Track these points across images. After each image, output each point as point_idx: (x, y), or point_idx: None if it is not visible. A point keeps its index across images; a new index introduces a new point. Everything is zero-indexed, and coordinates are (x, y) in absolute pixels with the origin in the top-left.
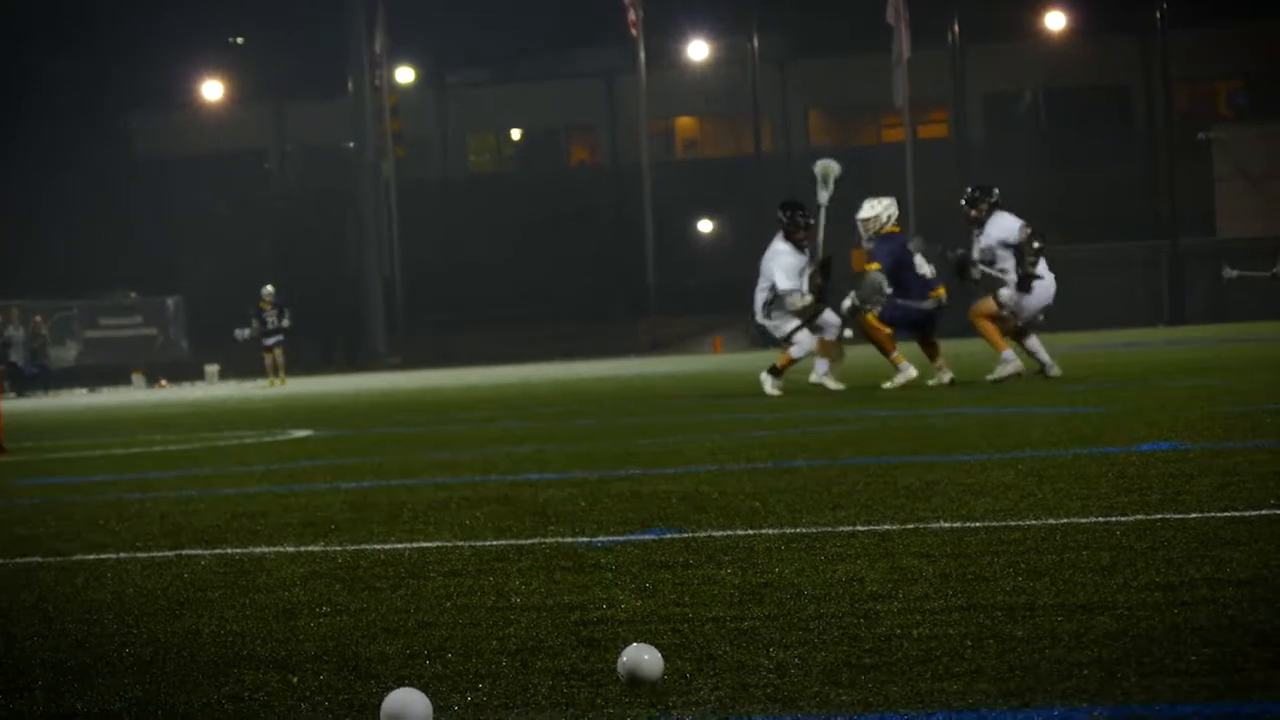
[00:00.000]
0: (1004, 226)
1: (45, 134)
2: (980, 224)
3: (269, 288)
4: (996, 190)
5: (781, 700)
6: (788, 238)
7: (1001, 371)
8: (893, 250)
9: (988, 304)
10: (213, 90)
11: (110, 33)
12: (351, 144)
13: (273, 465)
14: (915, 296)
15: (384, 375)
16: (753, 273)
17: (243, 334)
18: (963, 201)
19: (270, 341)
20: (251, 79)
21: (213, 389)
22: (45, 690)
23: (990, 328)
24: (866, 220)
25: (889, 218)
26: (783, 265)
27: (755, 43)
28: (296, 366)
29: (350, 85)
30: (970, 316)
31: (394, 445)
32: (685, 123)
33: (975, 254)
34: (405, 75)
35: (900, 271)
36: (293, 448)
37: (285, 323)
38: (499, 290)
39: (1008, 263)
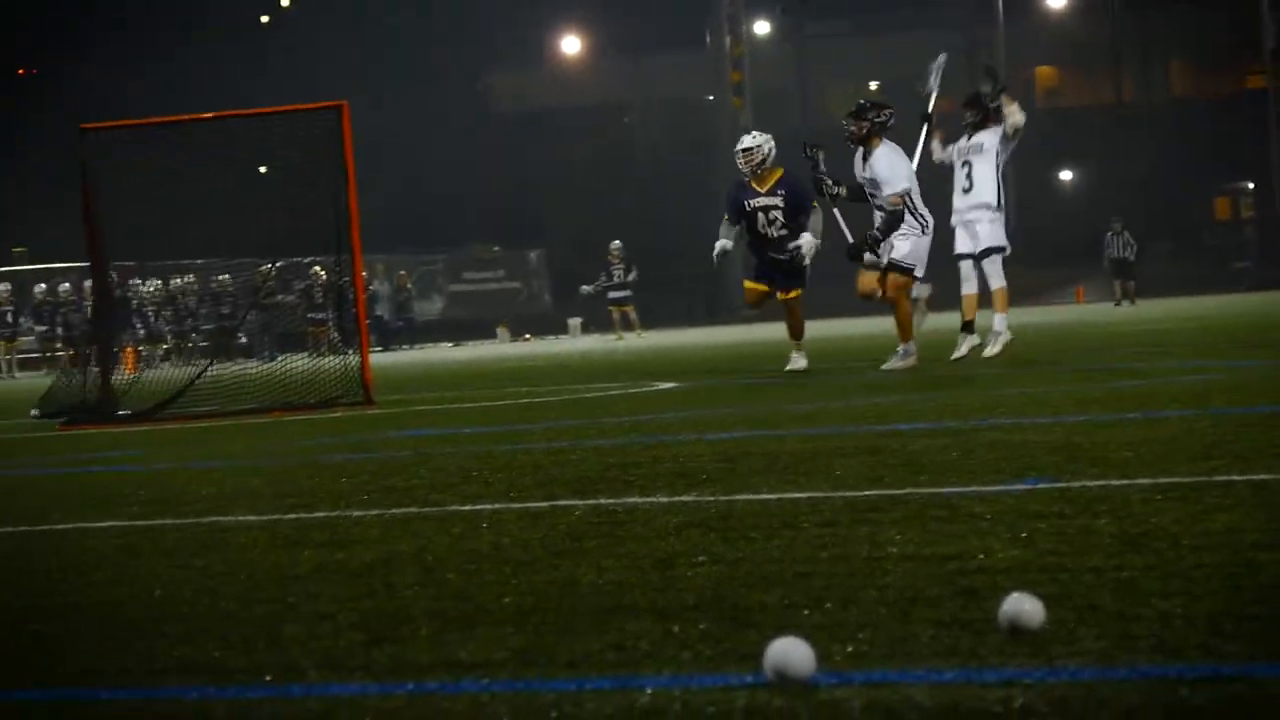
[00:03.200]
0: (892, 167)
1: (406, 92)
2: (860, 141)
3: (617, 242)
4: (889, 111)
5: (1166, 650)
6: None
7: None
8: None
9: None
10: (570, 45)
11: None
12: (710, 96)
13: (640, 416)
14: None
15: (742, 328)
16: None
17: (588, 290)
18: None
19: (618, 295)
20: (610, 33)
21: (576, 342)
22: (429, 639)
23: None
24: (750, 152)
25: (773, 151)
26: None
27: None
28: (656, 319)
29: (708, 37)
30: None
31: (758, 396)
32: (1045, 72)
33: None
34: (762, 28)
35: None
36: (659, 399)
37: (632, 277)
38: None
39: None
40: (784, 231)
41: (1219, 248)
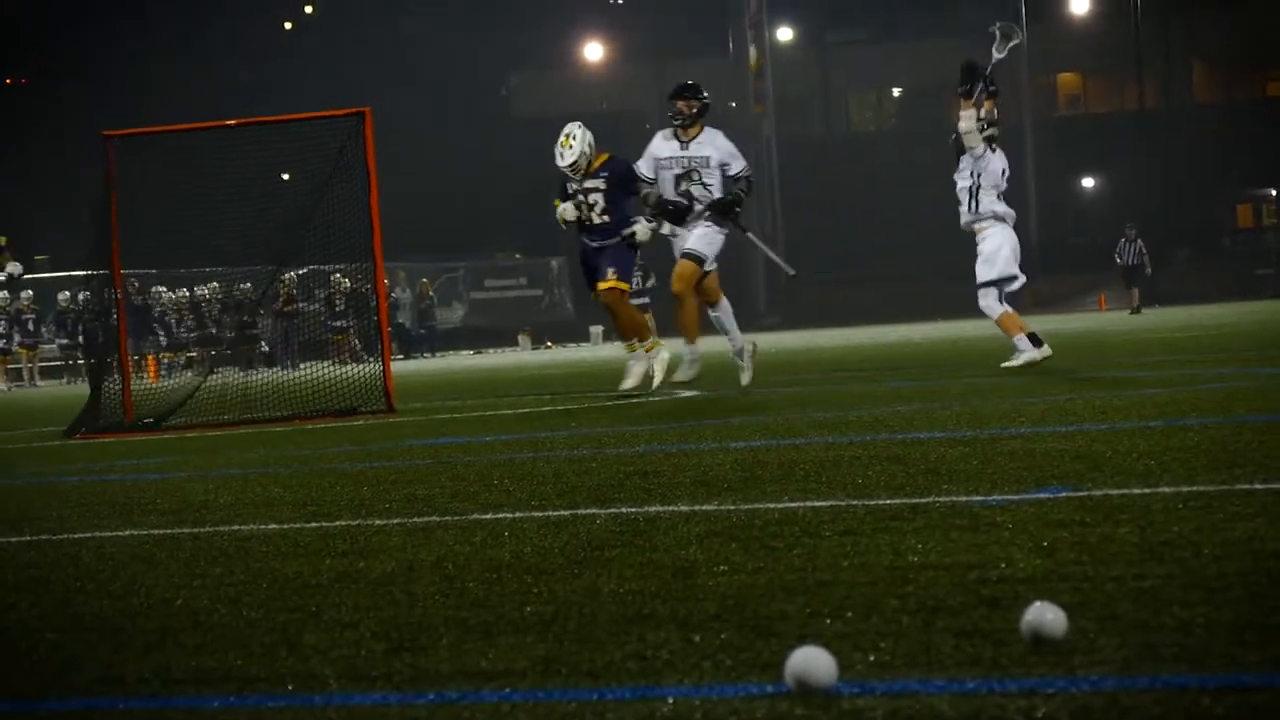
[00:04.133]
0: (729, 144)
1: (426, 96)
2: (690, 121)
3: None
4: (708, 95)
5: (1188, 660)
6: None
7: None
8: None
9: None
10: (593, 51)
11: None
12: (733, 103)
13: (661, 425)
14: None
15: (765, 335)
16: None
17: None
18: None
19: (637, 303)
20: (632, 39)
21: (598, 350)
22: (450, 648)
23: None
24: (575, 164)
25: (592, 146)
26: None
27: None
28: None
29: (731, 44)
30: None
31: (779, 405)
32: (1067, 78)
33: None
34: (785, 34)
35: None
36: (680, 407)
37: (650, 283)
38: (880, 248)
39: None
40: (605, 218)
41: (1241, 254)
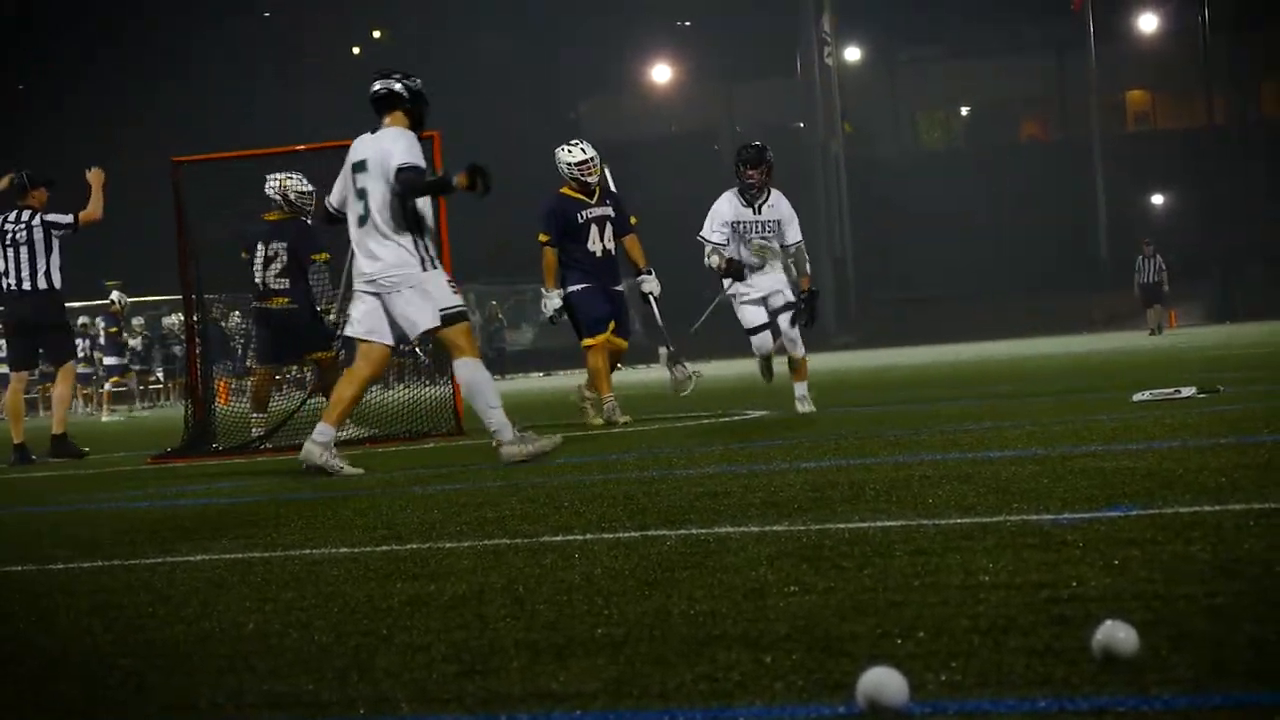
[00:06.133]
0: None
1: (496, 120)
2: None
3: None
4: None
5: (1260, 677)
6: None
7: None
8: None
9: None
10: (661, 74)
11: (559, 19)
12: (801, 124)
13: (731, 445)
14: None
15: (836, 355)
16: (1204, 246)
17: (695, 327)
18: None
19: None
20: (700, 61)
21: (665, 371)
22: (521, 670)
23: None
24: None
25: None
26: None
27: (1206, 14)
28: (744, 346)
29: (799, 65)
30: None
31: (850, 424)
32: (1136, 96)
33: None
34: (854, 54)
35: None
36: (749, 428)
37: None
38: (950, 267)
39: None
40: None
41: None
